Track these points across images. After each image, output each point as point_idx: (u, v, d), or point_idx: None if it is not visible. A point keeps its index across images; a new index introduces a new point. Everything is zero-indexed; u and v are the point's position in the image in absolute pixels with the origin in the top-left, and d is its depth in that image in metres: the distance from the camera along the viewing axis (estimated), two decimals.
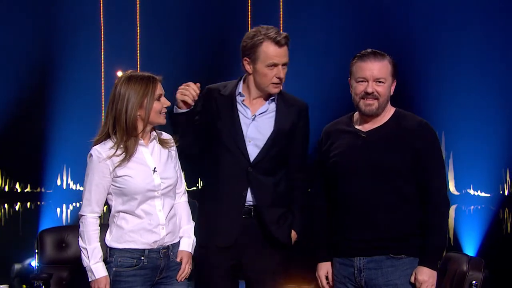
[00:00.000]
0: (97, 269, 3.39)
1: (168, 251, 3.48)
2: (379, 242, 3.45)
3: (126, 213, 3.44)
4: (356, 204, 3.48)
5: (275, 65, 3.64)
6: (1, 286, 5.77)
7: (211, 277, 3.69)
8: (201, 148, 3.77)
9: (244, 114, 3.72)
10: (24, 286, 5.87)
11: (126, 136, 3.41)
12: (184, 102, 3.61)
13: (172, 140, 3.59)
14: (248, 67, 3.68)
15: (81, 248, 3.42)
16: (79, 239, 3.44)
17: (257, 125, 3.72)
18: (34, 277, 4.45)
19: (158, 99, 3.46)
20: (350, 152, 3.51)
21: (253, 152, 3.70)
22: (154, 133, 3.52)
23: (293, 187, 3.78)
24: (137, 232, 3.43)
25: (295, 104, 3.79)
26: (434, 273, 3.44)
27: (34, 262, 4.72)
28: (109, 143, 3.44)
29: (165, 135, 3.59)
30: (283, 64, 3.66)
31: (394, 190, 3.45)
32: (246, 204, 3.69)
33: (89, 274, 3.41)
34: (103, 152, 3.42)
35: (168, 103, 3.50)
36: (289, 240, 3.78)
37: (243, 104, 3.73)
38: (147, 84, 3.44)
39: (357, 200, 3.47)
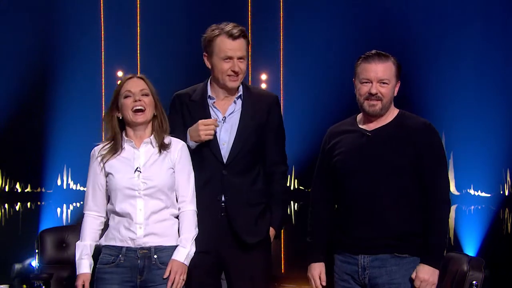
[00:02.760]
0: (80, 264, 3.48)
1: (150, 253, 3.47)
2: (383, 240, 3.47)
3: (114, 212, 3.51)
4: (361, 201, 3.49)
5: (230, 57, 3.65)
6: (2, 286, 5.76)
7: (193, 277, 3.67)
8: None
9: (216, 117, 3.73)
10: (24, 286, 5.87)
11: (113, 134, 3.53)
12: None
13: (175, 145, 3.58)
14: (207, 62, 3.72)
15: (76, 243, 3.54)
16: None
17: (227, 127, 3.73)
18: (34, 277, 4.45)
19: (128, 96, 3.51)
20: (354, 150, 3.53)
21: (226, 154, 3.71)
22: (151, 137, 3.55)
23: (271, 181, 3.79)
24: (117, 229, 3.49)
25: (262, 98, 3.80)
26: (435, 272, 3.45)
27: (35, 262, 4.72)
28: (104, 142, 3.57)
29: (169, 140, 3.58)
30: (239, 58, 3.67)
31: (398, 188, 3.47)
32: (222, 206, 3.69)
33: (77, 269, 3.50)
34: (97, 150, 3.55)
35: (140, 99, 3.50)
36: (267, 238, 3.77)
37: (214, 107, 3.74)
38: (122, 84, 3.54)
39: (362, 197, 3.49)
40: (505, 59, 6.60)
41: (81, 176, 6.95)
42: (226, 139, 3.71)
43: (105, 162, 3.50)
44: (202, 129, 3.63)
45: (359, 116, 3.64)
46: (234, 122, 3.73)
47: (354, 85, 3.58)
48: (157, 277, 3.47)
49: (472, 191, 6.69)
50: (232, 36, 3.66)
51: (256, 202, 3.74)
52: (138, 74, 3.59)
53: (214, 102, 3.74)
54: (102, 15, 7.05)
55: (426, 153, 3.49)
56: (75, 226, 5.83)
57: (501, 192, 6.67)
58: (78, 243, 3.52)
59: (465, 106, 6.59)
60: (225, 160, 3.70)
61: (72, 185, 7.05)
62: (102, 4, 7.05)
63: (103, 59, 7.06)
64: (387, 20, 6.65)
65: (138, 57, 7.04)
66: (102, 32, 7.05)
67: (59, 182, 7.03)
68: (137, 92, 3.51)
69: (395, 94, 3.57)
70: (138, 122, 3.51)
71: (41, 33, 6.97)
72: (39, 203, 7.06)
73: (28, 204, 7.12)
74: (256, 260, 3.75)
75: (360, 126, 3.59)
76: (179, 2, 7.05)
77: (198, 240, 3.62)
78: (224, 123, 3.73)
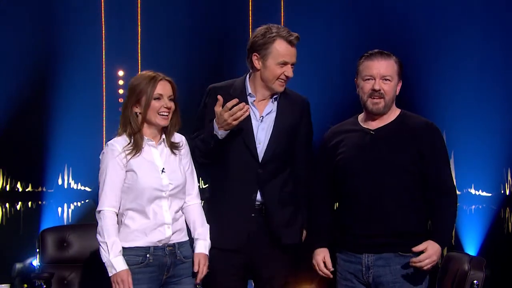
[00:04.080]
0: (118, 262, 3.38)
1: (175, 249, 3.50)
2: (387, 239, 3.48)
3: (134, 211, 3.46)
4: (364, 200, 3.51)
5: (285, 63, 3.67)
6: (2, 285, 5.76)
7: (220, 276, 3.70)
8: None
9: (254, 115, 3.74)
10: (25, 285, 5.86)
11: (132, 132, 3.47)
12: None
13: (183, 142, 3.61)
14: (257, 63, 3.70)
15: (100, 243, 3.41)
16: (98, 235, 3.43)
17: (264, 126, 3.75)
18: (35, 276, 4.44)
19: (158, 99, 3.48)
20: (358, 149, 3.55)
21: (261, 153, 3.71)
22: (163, 136, 3.55)
23: (299, 183, 3.80)
24: (142, 231, 3.46)
25: (297, 101, 3.82)
26: (439, 250, 3.44)
27: (36, 262, 4.73)
28: (123, 137, 3.50)
29: (177, 137, 3.61)
30: (292, 64, 3.70)
31: (401, 187, 3.49)
32: (256, 205, 3.71)
33: (109, 269, 3.39)
34: (117, 145, 3.47)
35: (169, 104, 3.50)
36: (299, 241, 3.79)
37: (253, 105, 3.75)
38: (148, 82, 3.48)
39: (365, 196, 3.51)
40: (505, 59, 6.61)
41: (82, 176, 6.94)
42: (262, 139, 3.73)
43: (128, 160, 3.45)
44: (227, 116, 3.58)
45: (361, 116, 3.66)
46: (270, 122, 3.75)
47: (356, 84, 3.60)
48: (181, 271, 3.51)
49: (473, 191, 6.69)
50: (290, 43, 3.68)
51: (288, 203, 3.76)
52: (167, 77, 3.54)
53: (254, 101, 3.75)
54: (103, 14, 7.05)
55: (428, 152, 3.51)
56: (76, 225, 5.84)
57: (502, 192, 6.68)
58: (106, 240, 3.38)
59: (465, 106, 6.59)
60: (260, 159, 3.70)
61: (73, 185, 7.05)
62: (103, 4, 7.05)
63: (103, 59, 7.06)
64: (387, 20, 6.66)
65: (139, 57, 7.04)
66: (103, 31, 7.05)
67: (60, 182, 7.03)
68: (166, 96, 3.50)
69: (397, 93, 3.59)
70: (162, 125, 3.52)
71: (42, 33, 6.96)
72: (40, 202, 7.06)
73: (29, 203, 7.11)
74: (288, 260, 3.78)
75: (363, 125, 3.61)
76: (180, 2, 7.05)
77: (230, 238, 3.66)
78: (261, 122, 3.75)
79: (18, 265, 5.93)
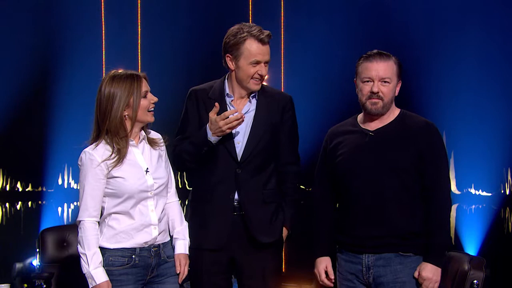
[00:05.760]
0: (98, 274, 3.36)
1: (159, 250, 3.49)
2: (387, 239, 3.48)
3: (119, 213, 3.44)
4: (364, 201, 3.51)
5: (258, 62, 3.67)
6: (2, 285, 5.76)
7: (205, 275, 3.71)
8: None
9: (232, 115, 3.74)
10: (25, 285, 5.86)
11: (117, 138, 3.41)
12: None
13: (161, 140, 3.60)
14: (231, 64, 3.73)
15: (80, 254, 3.39)
16: (78, 245, 3.41)
17: (242, 126, 3.75)
18: (35, 276, 4.45)
19: (145, 96, 3.46)
20: (358, 150, 3.55)
21: (240, 152, 3.73)
22: (143, 133, 3.52)
23: (284, 180, 3.80)
24: (128, 232, 3.44)
25: (277, 98, 3.83)
26: (438, 270, 3.47)
27: (36, 261, 4.73)
28: (101, 146, 3.44)
29: (154, 134, 3.59)
30: (265, 62, 3.69)
31: (401, 187, 3.49)
32: (235, 204, 3.71)
33: (89, 280, 3.38)
34: (96, 155, 3.41)
35: (155, 99, 3.50)
36: (279, 239, 3.79)
37: (231, 105, 3.75)
38: (131, 82, 3.43)
39: (365, 197, 3.51)
40: (505, 58, 6.60)
41: None
42: (240, 138, 3.74)
43: (110, 168, 3.41)
44: (222, 124, 3.59)
45: (360, 116, 3.65)
46: (249, 121, 3.76)
47: (356, 85, 3.60)
48: (165, 270, 3.51)
49: (473, 190, 6.68)
50: (262, 41, 3.67)
51: (269, 201, 3.77)
52: (141, 72, 3.52)
53: (232, 101, 3.76)
54: (103, 14, 7.05)
55: (427, 153, 3.51)
56: (76, 225, 5.84)
57: (502, 192, 6.67)
58: (86, 252, 3.37)
59: (466, 106, 6.59)
60: (239, 159, 3.70)
61: (73, 185, 7.05)
62: (103, 4, 7.05)
63: (104, 58, 7.06)
64: (388, 20, 6.65)
65: (139, 57, 7.04)
66: (103, 31, 7.05)
67: (60, 181, 7.02)
68: (149, 91, 3.50)
69: (396, 94, 3.59)
70: (151, 121, 3.51)
71: (42, 32, 6.96)
72: (40, 202, 7.05)
73: (29, 203, 7.11)
74: (269, 259, 3.79)
75: (362, 126, 3.61)
76: (180, 2, 7.04)
77: (211, 238, 3.67)
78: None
79: (18, 265, 5.93)
